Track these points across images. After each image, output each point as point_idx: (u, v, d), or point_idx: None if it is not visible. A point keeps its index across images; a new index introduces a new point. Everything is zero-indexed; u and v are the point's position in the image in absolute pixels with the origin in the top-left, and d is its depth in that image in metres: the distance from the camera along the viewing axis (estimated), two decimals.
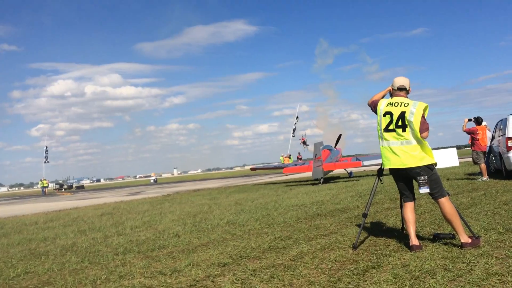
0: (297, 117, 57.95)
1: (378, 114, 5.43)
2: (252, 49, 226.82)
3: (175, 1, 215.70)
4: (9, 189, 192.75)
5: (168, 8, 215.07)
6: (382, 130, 5.36)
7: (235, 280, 4.54)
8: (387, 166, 5.46)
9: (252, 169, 34.40)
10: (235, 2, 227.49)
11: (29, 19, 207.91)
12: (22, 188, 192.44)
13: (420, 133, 5.10)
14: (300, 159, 45.38)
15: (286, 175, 30.85)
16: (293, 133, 56.31)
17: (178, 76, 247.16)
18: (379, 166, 5.88)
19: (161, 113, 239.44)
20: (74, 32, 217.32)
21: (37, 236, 9.46)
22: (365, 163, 21.91)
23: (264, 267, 4.96)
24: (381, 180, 5.83)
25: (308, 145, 63.13)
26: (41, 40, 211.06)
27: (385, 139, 5.35)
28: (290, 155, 48.45)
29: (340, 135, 26.23)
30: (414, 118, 5.09)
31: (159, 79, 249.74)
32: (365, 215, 5.77)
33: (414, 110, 5.12)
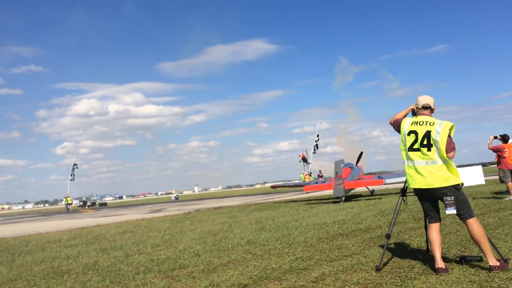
0: (318, 134, 57.80)
1: (402, 133, 5.35)
2: (272, 67, 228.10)
3: (195, 22, 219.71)
4: (34, 206, 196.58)
5: (189, 28, 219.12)
6: (407, 149, 5.27)
7: None
8: (412, 186, 5.34)
9: (272, 186, 34.28)
10: (255, 22, 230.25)
11: (55, 41, 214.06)
12: (47, 205, 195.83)
13: (446, 153, 5.00)
14: (321, 176, 44.85)
15: (307, 193, 30.58)
16: (314, 150, 56.05)
17: (199, 94, 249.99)
18: (402, 184, 5.77)
19: (182, 131, 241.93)
20: (98, 53, 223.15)
21: (60, 254, 9.57)
22: (388, 181, 21.56)
23: None
24: (404, 201, 5.71)
25: (309, 163, 61.37)
26: (67, 61, 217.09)
27: (410, 159, 5.26)
28: (310, 173, 48.10)
29: (361, 153, 25.95)
30: (440, 138, 5.00)
31: (180, 97, 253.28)
32: (388, 236, 5.64)
33: (440, 129, 5.03)
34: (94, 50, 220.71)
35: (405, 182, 5.56)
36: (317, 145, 58.79)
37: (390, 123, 5.64)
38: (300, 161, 62.38)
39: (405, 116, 5.55)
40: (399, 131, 5.44)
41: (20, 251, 10.73)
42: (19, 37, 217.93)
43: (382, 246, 6.48)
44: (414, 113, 5.47)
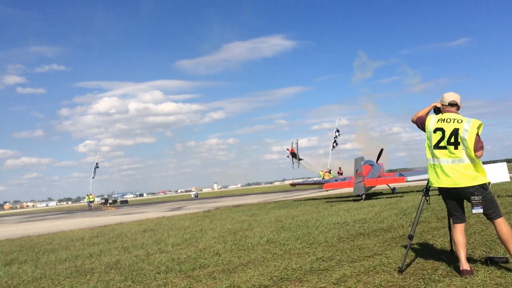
0: (337, 130, 56.87)
1: (427, 130, 5.24)
2: (290, 63, 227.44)
3: (213, 19, 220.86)
4: (57, 203, 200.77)
5: (207, 26, 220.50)
6: (432, 147, 5.16)
7: None
8: (436, 185, 5.22)
9: (292, 184, 34.19)
10: (272, 18, 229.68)
11: (77, 40, 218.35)
12: (69, 202, 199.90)
13: (474, 152, 4.87)
14: (341, 174, 44.46)
15: (327, 190, 30.39)
16: (333, 147, 55.35)
17: (217, 91, 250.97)
18: (424, 182, 5.67)
19: (201, 128, 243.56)
20: (118, 52, 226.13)
21: (83, 253, 9.72)
22: (409, 178, 21.28)
23: None
24: (427, 200, 5.60)
25: (301, 159, 58.01)
26: (88, 60, 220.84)
27: (435, 157, 5.14)
28: (330, 170, 47.69)
29: (382, 150, 25.66)
30: (468, 136, 4.88)
31: (199, 95, 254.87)
32: (411, 237, 5.54)
33: (468, 127, 4.91)
34: (114, 49, 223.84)
35: (428, 180, 5.45)
36: (335, 141, 56.61)
37: (413, 121, 5.53)
38: (288, 156, 57.66)
39: (428, 113, 5.45)
40: (423, 129, 5.33)
41: (44, 250, 10.93)
42: (41, 37, 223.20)
43: (404, 247, 6.38)
44: (437, 110, 5.35)
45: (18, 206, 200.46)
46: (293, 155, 57.93)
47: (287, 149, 59.13)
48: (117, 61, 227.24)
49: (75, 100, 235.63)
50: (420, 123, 5.38)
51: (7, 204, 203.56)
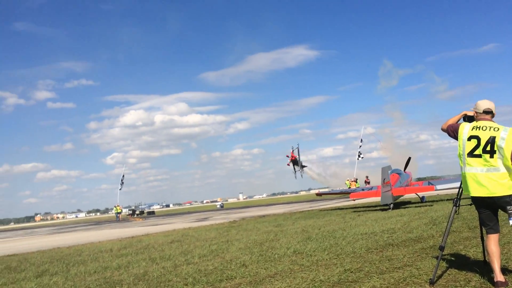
0: (362, 140, 56.18)
1: (460, 138, 5.11)
2: (314, 73, 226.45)
3: (236, 31, 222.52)
4: (86, 214, 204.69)
5: (231, 38, 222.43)
6: (466, 155, 5.03)
7: None
8: (470, 194, 5.06)
9: (317, 194, 33.94)
10: (295, 28, 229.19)
11: (105, 55, 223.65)
12: (98, 213, 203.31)
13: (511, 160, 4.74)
14: (368, 183, 43.77)
15: (353, 200, 30.01)
16: (358, 156, 54.68)
17: (242, 102, 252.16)
18: (454, 191, 5.53)
19: (225, 139, 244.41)
20: (144, 65, 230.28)
21: (111, 264, 9.85)
22: (439, 187, 20.77)
23: None
24: (457, 211, 5.45)
25: (305, 166, 52.90)
26: (115, 75, 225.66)
27: (469, 165, 5.00)
28: (356, 179, 47.10)
29: (409, 158, 25.22)
30: (505, 145, 4.74)
31: (223, 106, 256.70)
32: (442, 248, 5.40)
33: (505, 135, 4.77)
34: (140, 63, 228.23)
35: (459, 190, 5.31)
36: (360, 152, 55.56)
37: (443, 129, 5.42)
38: (288, 164, 51.90)
39: (457, 122, 5.34)
40: (455, 137, 5.21)
41: (74, 261, 11.13)
42: (70, 53, 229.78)
43: (435, 258, 6.23)
44: (467, 119, 5.23)
45: (48, 217, 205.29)
46: (294, 162, 52.42)
47: (287, 156, 52.73)
48: (143, 74, 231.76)
49: (102, 114, 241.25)
50: (452, 131, 5.27)
51: (38, 215, 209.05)
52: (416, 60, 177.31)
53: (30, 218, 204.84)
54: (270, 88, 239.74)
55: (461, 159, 5.12)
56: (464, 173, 5.08)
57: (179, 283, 6.80)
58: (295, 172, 53.77)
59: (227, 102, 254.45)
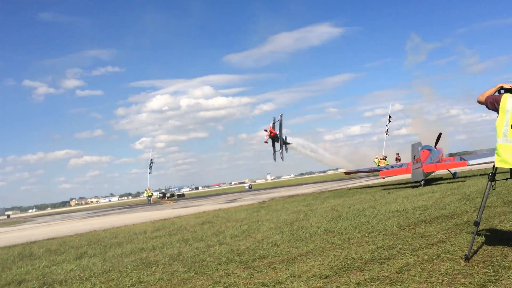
0: (390, 116, 55.03)
1: (502, 109, 4.99)
2: (339, 51, 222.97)
3: (259, 12, 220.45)
4: (119, 198, 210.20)
5: (253, 19, 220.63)
6: (509, 127, 4.91)
7: None
8: (509, 165, 4.95)
9: (346, 173, 33.69)
10: (318, 6, 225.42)
11: (130, 42, 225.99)
12: (130, 197, 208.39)
13: None
14: (399, 160, 42.96)
15: (383, 178, 29.68)
16: (386, 133, 53.77)
17: (266, 83, 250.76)
18: (487, 166, 5.42)
19: (252, 120, 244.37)
20: (168, 50, 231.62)
21: (146, 246, 10.12)
22: (471, 162, 20.31)
23: (369, 280, 4.79)
24: (493, 186, 5.33)
25: (289, 143, 45.03)
26: (140, 60, 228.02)
27: (511, 138, 4.89)
28: (385, 157, 46.42)
29: (440, 134, 24.69)
30: None
31: (248, 88, 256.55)
32: (477, 224, 5.32)
33: None
34: (165, 48, 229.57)
35: (495, 164, 5.18)
36: (387, 129, 54.17)
37: (479, 101, 5.31)
38: (266, 142, 43.48)
39: (494, 94, 5.21)
40: (494, 109, 5.10)
41: (111, 243, 11.49)
42: (96, 41, 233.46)
43: (470, 233, 6.14)
44: (505, 91, 5.09)
45: (83, 202, 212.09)
46: (275, 139, 42.94)
47: (265, 130, 43.29)
48: (168, 59, 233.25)
49: (130, 100, 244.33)
50: (491, 102, 5.14)
51: (73, 200, 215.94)
52: (445, 33, 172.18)
53: (65, 203, 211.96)
54: (294, 68, 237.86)
55: (500, 131, 4.99)
56: (503, 145, 4.96)
57: (213, 263, 6.94)
58: (275, 152, 44.75)
59: (251, 84, 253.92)
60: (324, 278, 5.11)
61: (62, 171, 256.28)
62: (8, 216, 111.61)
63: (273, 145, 44.34)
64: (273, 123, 43.99)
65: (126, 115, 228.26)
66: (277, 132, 43.20)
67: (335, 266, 5.63)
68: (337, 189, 25.73)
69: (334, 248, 6.85)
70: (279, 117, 43.65)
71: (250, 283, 5.35)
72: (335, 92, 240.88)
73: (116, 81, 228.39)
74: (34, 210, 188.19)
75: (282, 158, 44.54)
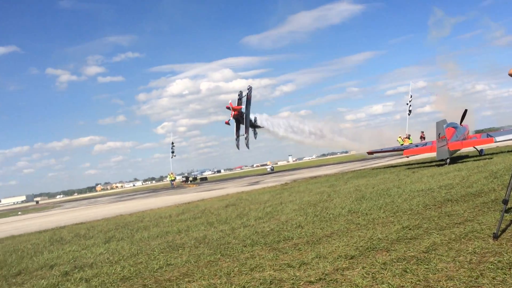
0: (411, 95, 53.78)
1: None
2: (359, 28, 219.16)
3: None
4: (143, 183, 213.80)
5: None
6: None
7: (365, 274, 4.43)
8: None
9: (369, 152, 33.33)
10: None
11: (149, 27, 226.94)
12: (153, 181, 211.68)
13: None
14: (424, 138, 42.13)
15: (407, 157, 29.29)
16: (409, 112, 52.76)
17: (286, 64, 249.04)
18: None
19: (272, 102, 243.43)
20: (187, 34, 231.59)
21: (172, 229, 10.29)
22: (498, 138, 19.82)
23: (395, 260, 4.76)
24: None
25: (259, 126, 37.91)
26: (160, 45, 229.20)
27: None
28: (409, 135, 45.69)
29: (465, 110, 24.12)
30: None
31: (267, 69, 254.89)
32: (505, 202, 5.21)
33: None
34: (184, 32, 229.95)
35: None
36: (410, 106, 52.70)
37: (510, 74, 5.13)
38: (227, 123, 36.52)
39: None
40: None
41: (138, 227, 11.73)
42: (116, 28, 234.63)
43: (498, 211, 6.02)
44: None
45: (108, 187, 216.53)
46: (239, 118, 35.38)
47: (227, 108, 36.11)
48: (187, 43, 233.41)
49: (150, 85, 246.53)
50: None
51: (99, 185, 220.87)
52: (469, 6, 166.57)
53: (91, 188, 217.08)
54: (314, 47, 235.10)
55: None
56: None
57: (238, 245, 7.02)
58: (238, 137, 36.62)
59: (271, 65, 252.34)
60: (349, 259, 5.11)
61: (87, 157, 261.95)
62: (37, 202, 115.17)
63: (237, 128, 36.65)
64: (239, 99, 36.64)
65: (147, 100, 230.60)
66: (242, 108, 35.87)
67: (361, 246, 5.62)
68: (360, 169, 25.57)
69: (359, 229, 6.83)
70: (247, 92, 36.37)
71: (275, 264, 5.39)
72: (357, 71, 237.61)
73: (137, 66, 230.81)
74: (61, 196, 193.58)
75: (247, 145, 37.44)
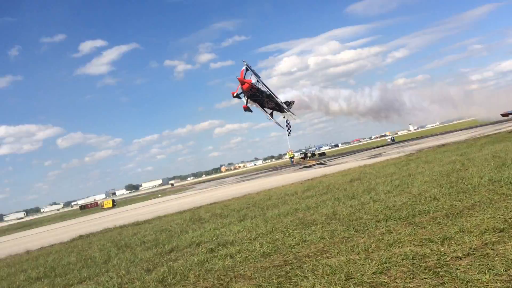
0: None
1: None
2: None
3: None
4: (263, 162, 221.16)
5: None
6: None
7: None
8: None
9: (503, 114, 30.28)
10: None
11: (252, 10, 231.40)
12: (273, 159, 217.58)
13: None
14: None
15: None
16: None
17: (396, 29, 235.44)
18: None
19: (385, 70, 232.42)
20: (289, 11, 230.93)
21: (300, 206, 10.56)
22: None
23: None
24: None
25: (289, 102, 31.83)
26: (264, 26, 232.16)
27: None
28: None
29: None
30: None
31: (376, 36, 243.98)
32: None
33: None
34: (285, 9, 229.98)
35: None
36: None
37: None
38: (238, 96, 31.51)
39: None
40: None
41: (267, 205, 12.25)
42: (221, 14, 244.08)
43: None
44: None
45: (232, 167, 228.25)
46: (253, 93, 30.09)
47: (237, 79, 30.18)
48: (290, 20, 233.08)
49: (259, 65, 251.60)
50: None
51: (223, 166, 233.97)
52: None
53: (217, 170, 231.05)
54: (426, 7, 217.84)
55: None
56: None
57: (370, 220, 6.97)
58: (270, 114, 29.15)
59: (380, 32, 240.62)
60: (498, 232, 4.79)
61: (209, 140, 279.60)
62: (172, 185, 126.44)
63: (248, 104, 29.47)
64: (246, 69, 30.49)
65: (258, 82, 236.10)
66: (254, 82, 29.74)
67: (510, 218, 5.21)
68: (494, 134, 23.34)
69: (505, 199, 6.32)
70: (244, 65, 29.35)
71: (415, 239, 5.26)
72: (478, 27, 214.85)
73: (244, 49, 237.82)
74: (192, 178, 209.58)
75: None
